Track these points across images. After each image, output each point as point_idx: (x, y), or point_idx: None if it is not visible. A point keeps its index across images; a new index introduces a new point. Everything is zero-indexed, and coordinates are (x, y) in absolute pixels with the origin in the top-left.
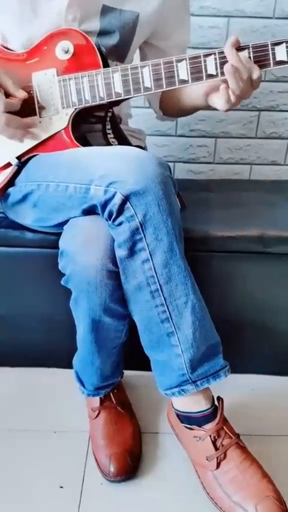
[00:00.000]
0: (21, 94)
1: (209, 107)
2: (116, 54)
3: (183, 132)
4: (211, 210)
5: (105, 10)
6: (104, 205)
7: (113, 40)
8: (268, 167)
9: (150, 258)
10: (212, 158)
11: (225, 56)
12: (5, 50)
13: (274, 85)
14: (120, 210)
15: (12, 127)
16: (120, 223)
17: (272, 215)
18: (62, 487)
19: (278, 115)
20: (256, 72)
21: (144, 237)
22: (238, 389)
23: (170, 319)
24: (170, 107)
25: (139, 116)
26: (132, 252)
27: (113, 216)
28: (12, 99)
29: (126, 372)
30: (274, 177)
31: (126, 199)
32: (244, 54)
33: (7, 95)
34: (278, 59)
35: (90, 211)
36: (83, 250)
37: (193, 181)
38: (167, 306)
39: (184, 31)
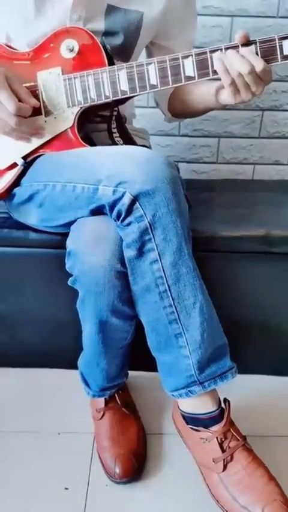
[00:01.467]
0: (33, 102)
1: (223, 107)
2: (121, 54)
3: (186, 132)
4: (215, 210)
5: (110, 10)
6: (113, 205)
7: (117, 40)
8: (271, 167)
9: (159, 259)
10: (215, 158)
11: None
12: (10, 49)
13: (278, 84)
14: (129, 210)
15: (21, 129)
16: (129, 224)
17: (276, 215)
18: (67, 489)
19: (282, 114)
20: (259, 65)
21: (153, 237)
22: (242, 390)
23: (178, 320)
24: (179, 108)
25: (142, 115)
26: (141, 252)
27: (122, 216)
28: (25, 105)
29: (130, 373)
30: (277, 177)
31: (135, 199)
32: (249, 48)
33: (18, 99)
34: (286, 53)
35: (97, 211)
36: (91, 250)
37: (196, 181)
38: (175, 307)
39: (190, 30)
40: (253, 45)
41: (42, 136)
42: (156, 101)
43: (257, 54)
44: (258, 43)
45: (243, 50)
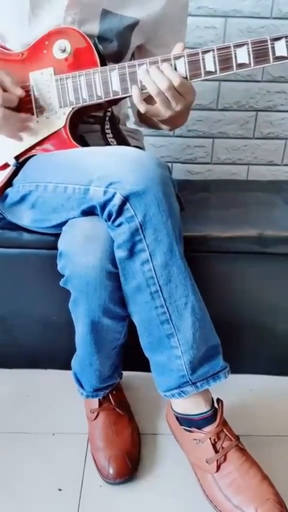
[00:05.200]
0: (19, 92)
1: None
2: (113, 58)
3: (180, 133)
4: (209, 211)
5: (105, 14)
6: (104, 206)
7: (111, 46)
8: (265, 167)
9: (150, 259)
10: (210, 158)
11: (224, 53)
12: (2, 49)
13: (271, 85)
14: (120, 210)
15: (9, 122)
16: (119, 224)
17: (270, 215)
18: (60, 490)
19: (275, 115)
20: (176, 80)
21: (144, 238)
22: (236, 389)
23: (169, 320)
24: (143, 116)
25: None
26: (131, 253)
27: (113, 217)
28: (10, 95)
29: (124, 373)
30: (271, 178)
31: (125, 200)
32: (167, 63)
33: (5, 91)
34: (277, 54)
35: (89, 212)
36: (82, 251)
37: (190, 181)
38: (166, 307)
39: (181, 41)
40: (171, 61)
41: (34, 137)
42: (130, 102)
43: (248, 55)
44: (250, 44)
45: (164, 65)
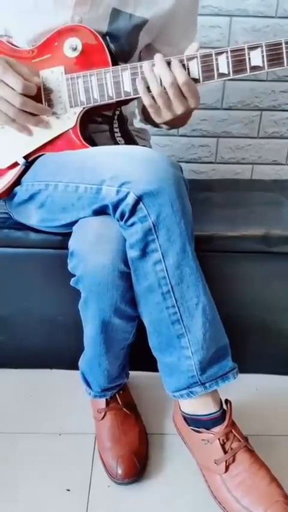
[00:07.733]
0: (36, 80)
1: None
2: (121, 57)
3: (185, 132)
4: (214, 210)
5: (115, 14)
6: (116, 205)
7: (119, 45)
8: (269, 167)
9: (162, 260)
10: (214, 158)
11: (238, 55)
12: (12, 46)
13: (276, 84)
14: (133, 210)
15: (26, 110)
16: (132, 224)
17: (275, 214)
18: (69, 490)
19: (280, 114)
20: (181, 78)
21: (157, 238)
22: (242, 389)
23: (180, 320)
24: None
25: None
26: (144, 253)
27: (125, 217)
28: (29, 83)
29: (131, 373)
30: (275, 177)
31: (139, 199)
32: (176, 60)
33: None
34: None
35: (100, 211)
36: (94, 250)
37: (195, 181)
38: (178, 308)
39: (190, 41)
40: (184, 61)
41: (44, 136)
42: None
43: (262, 57)
44: (264, 47)
45: (172, 62)
